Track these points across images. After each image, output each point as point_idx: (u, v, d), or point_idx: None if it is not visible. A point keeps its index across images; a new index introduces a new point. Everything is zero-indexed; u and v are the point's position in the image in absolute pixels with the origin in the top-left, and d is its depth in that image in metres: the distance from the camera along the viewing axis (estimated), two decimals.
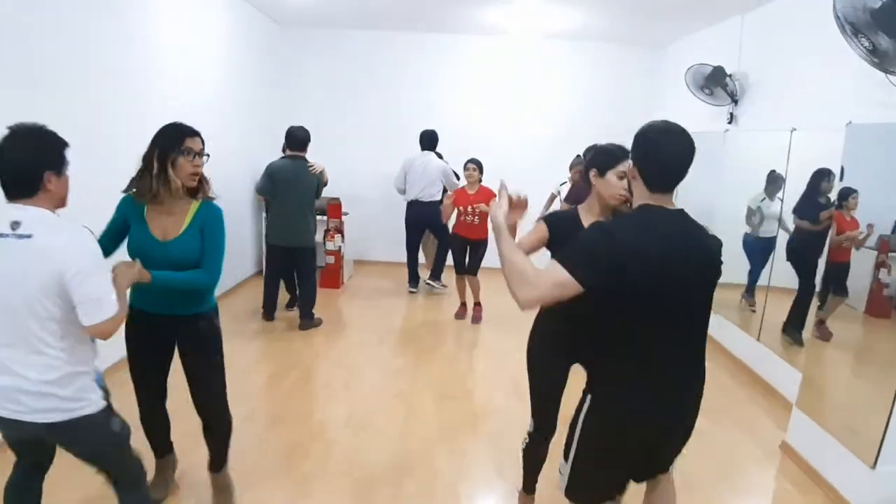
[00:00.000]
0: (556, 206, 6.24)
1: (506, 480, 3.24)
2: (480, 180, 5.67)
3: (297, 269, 5.45)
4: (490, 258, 5.64)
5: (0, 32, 3.07)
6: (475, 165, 5.67)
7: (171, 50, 4.83)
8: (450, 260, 6.35)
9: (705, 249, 1.90)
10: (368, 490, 3.10)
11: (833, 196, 4.01)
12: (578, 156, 6.10)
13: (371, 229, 7.86)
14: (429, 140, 6.60)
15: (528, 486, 2.92)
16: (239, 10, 6.24)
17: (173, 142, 2.36)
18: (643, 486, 2.24)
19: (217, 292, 5.95)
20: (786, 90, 4.77)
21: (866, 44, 2.96)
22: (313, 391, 4.33)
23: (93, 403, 1.97)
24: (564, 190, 6.02)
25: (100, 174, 3.93)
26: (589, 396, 1.99)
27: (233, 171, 6.24)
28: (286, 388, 4.27)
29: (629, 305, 1.83)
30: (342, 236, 6.78)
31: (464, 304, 6.05)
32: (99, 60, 3.88)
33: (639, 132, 1.90)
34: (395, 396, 4.25)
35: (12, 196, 1.86)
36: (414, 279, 6.88)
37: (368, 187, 7.77)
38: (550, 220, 2.56)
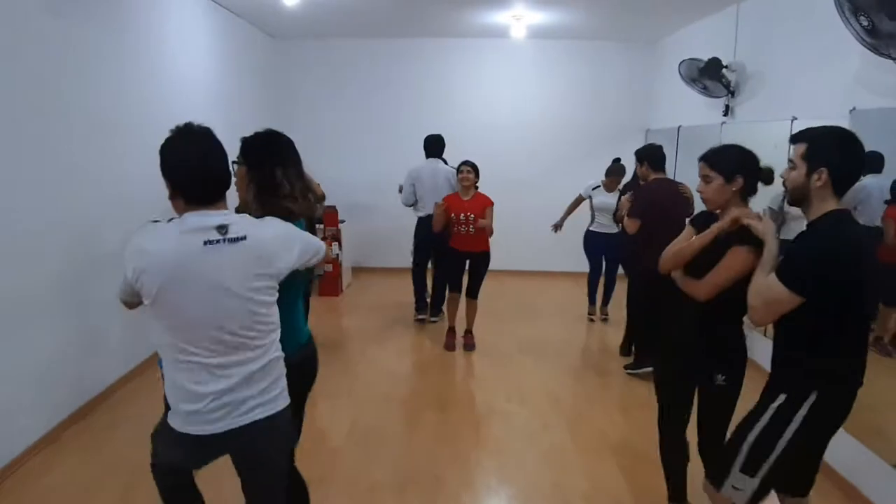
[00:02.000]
0: (589, 208, 5.97)
1: (509, 486, 3.18)
2: (476, 185, 5.09)
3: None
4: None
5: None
6: (470, 168, 5.00)
7: (163, 66, 4.76)
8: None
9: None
10: (371, 500, 3.03)
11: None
12: (618, 163, 5.73)
13: (368, 237, 7.79)
14: (435, 145, 5.86)
15: (673, 495, 2.77)
16: (232, 25, 6.18)
17: (278, 156, 2.26)
18: None
19: None
20: (785, 79, 4.69)
21: (865, 23, 2.89)
22: (314, 399, 4.21)
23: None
24: (596, 194, 5.79)
25: (103, 188, 3.90)
26: (814, 394, 2.04)
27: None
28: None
29: (848, 308, 2.00)
30: (339, 244, 6.71)
31: (452, 330, 5.29)
32: (93, 78, 3.83)
33: (829, 136, 2.02)
34: (397, 404, 4.18)
35: (209, 200, 1.76)
36: (423, 308, 6.03)
37: (365, 195, 7.70)
38: (695, 222, 2.57)
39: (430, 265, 5.99)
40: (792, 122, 4.37)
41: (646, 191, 4.48)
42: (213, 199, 1.76)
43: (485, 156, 7.13)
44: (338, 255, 6.68)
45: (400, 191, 5.89)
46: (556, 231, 6.02)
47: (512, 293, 7.08)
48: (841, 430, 3.12)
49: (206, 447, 1.86)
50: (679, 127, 6.25)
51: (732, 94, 5.40)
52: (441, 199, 5.10)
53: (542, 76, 7.72)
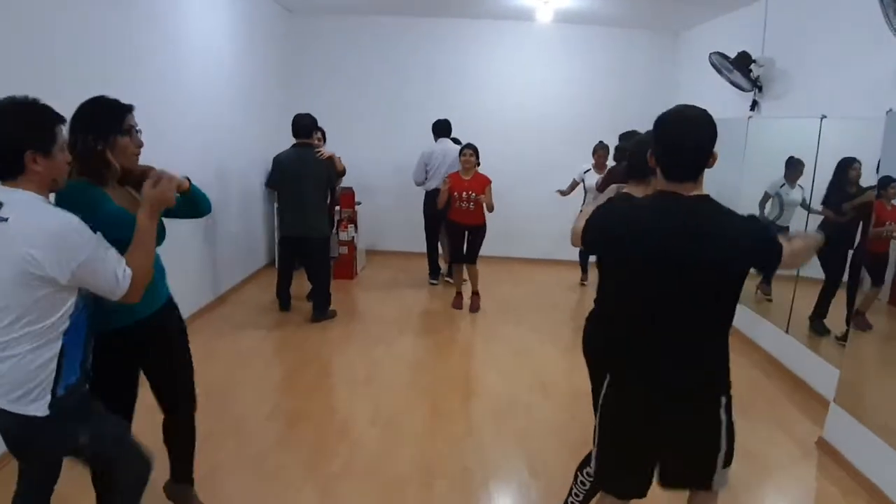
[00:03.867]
0: (580, 192, 6.20)
1: (538, 479, 3.17)
2: (476, 166, 5.59)
3: (310, 259, 5.35)
4: (486, 247, 5.82)
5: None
6: (472, 151, 5.58)
7: (180, 41, 4.70)
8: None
9: (714, 239, 1.76)
10: (398, 491, 3.01)
11: (865, 185, 3.93)
12: (601, 142, 6.08)
13: (383, 219, 7.76)
14: (444, 128, 6.46)
15: None
16: None
17: (113, 119, 2.04)
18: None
19: (229, 284, 5.82)
20: (815, 76, 4.63)
21: None
22: (334, 386, 4.25)
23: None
24: (589, 177, 6.03)
25: None
26: (608, 376, 2.02)
27: (244, 162, 6.15)
28: (307, 384, 4.19)
29: (614, 286, 1.99)
30: (355, 227, 6.68)
31: (459, 294, 5.96)
32: (106, 52, 3.75)
33: (656, 120, 1.87)
34: (419, 392, 4.16)
35: None
36: (435, 271, 6.73)
37: (381, 177, 7.65)
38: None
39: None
40: (821, 120, 4.33)
41: (616, 171, 4.61)
42: None
43: (500, 141, 7.14)
44: (353, 237, 6.66)
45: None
46: (562, 195, 6.52)
47: (528, 282, 7.08)
48: (861, 427, 3.19)
49: None
50: None
51: (760, 88, 5.34)
52: (446, 180, 5.70)
53: (564, 62, 7.64)
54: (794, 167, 4.75)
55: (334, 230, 6.32)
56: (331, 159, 5.12)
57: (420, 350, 4.97)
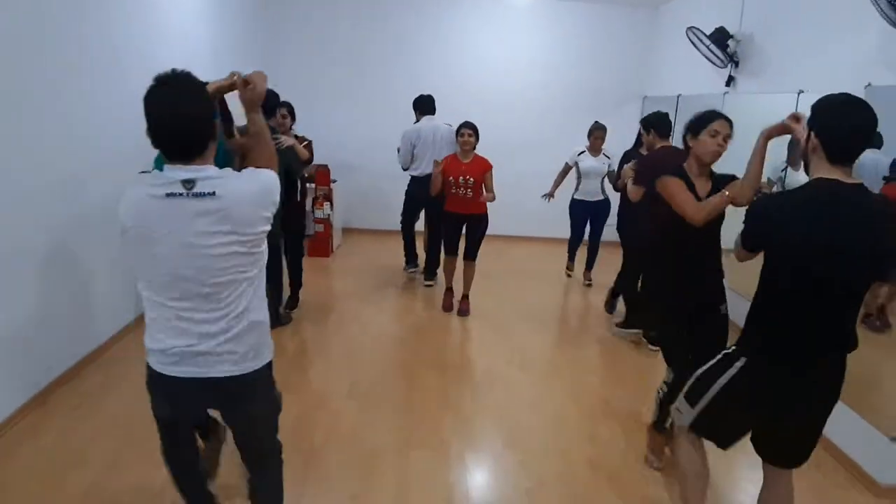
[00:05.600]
0: (575, 176, 5.92)
1: (513, 451, 3.19)
2: (475, 147, 4.99)
3: None
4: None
5: None
6: (471, 130, 4.92)
7: (147, 13, 4.51)
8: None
9: (878, 225, 1.85)
10: (376, 462, 3.03)
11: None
12: (598, 125, 5.77)
13: (359, 197, 7.68)
14: (428, 104, 5.77)
15: (660, 426, 3.08)
16: None
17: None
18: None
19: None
20: (793, 51, 4.64)
21: None
22: (312, 362, 4.21)
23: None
24: (583, 159, 5.75)
25: (88, 139, 3.76)
26: (742, 358, 2.07)
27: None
28: (285, 360, 4.14)
29: (781, 275, 1.94)
30: (331, 204, 6.60)
31: (450, 290, 5.36)
32: (74, 24, 3.60)
33: (819, 103, 1.93)
34: (396, 366, 4.17)
35: (183, 156, 1.67)
36: (413, 260, 6.12)
37: (356, 154, 7.55)
38: (676, 173, 2.72)
39: (418, 227, 6.04)
40: (798, 95, 4.34)
41: (652, 159, 4.44)
42: (184, 155, 1.67)
43: (478, 117, 6.98)
44: (329, 215, 6.58)
45: (398, 152, 5.79)
46: (548, 200, 5.98)
47: (508, 259, 7.07)
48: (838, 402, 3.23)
49: (177, 394, 1.85)
50: (679, 95, 6.19)
51: (736, 64, 5.35)
52: (441, 159, 5.05)
53: (542, 38, 7.59)
54: (795, 149, 4.65)
55: (309, 208, 6.18)
56: (292, 149, 4.45)
57: (397, 326, 4.95)
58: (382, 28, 7.47)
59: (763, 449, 2.22)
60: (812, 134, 1.91)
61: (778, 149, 4.83)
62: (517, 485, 2.93)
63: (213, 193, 1.65)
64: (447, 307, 5.27)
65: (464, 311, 5.21)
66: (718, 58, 5.46)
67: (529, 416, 3.56)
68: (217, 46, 5.82)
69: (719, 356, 2.17)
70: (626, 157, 5.06)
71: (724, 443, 2.25)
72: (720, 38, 5.36)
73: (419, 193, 5.65)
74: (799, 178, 4.58)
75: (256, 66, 6.70)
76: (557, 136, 6.49)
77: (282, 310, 4.77)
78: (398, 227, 6.13)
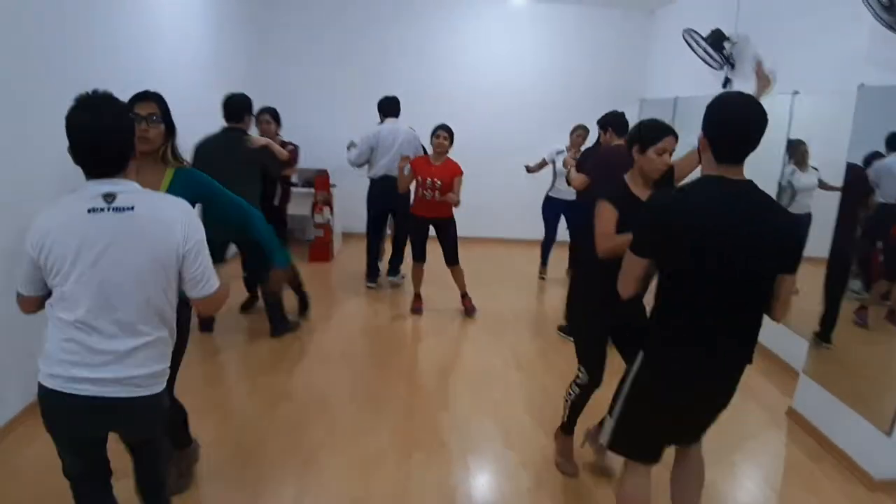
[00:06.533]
0: (552, 173, 6.08)
1: (514, 451, 3.21)
2: (448, 151, 4.88)
3: (248, 269, 4.65)
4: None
5: None
6: (447, 133, 4.83)
7: (132, 10, 4.38)
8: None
9: (766, 224, 1.85)
10: (377, 464, 3.04)
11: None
12: (581, 125, 5.84)
13: (359, 202, 7.66)
14: (393, 106, 5.70)
15: (569, 428, 3.03)
16: None
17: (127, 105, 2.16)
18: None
19: None
20: (787, 52, 4.66)
21: (885, 1, 2.87)
22: (312, 365, 4.23)
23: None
24: (560, 159, 5.82)
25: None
26: (641, 353, 2.07)
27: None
28: (285, 363, 4.18)
29: (682, 272, 1.91)
30: (331, 209, 6.63)
31: (419, 295, 5.30)
32: (74, 37, 3.59)
33: (710, 103, 1.91)
34: (395, 369, 4.19)
35: (103, 172, 1.72)
36: (374, 272, 5.97)
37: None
38: (611, 197, 2.57)
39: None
40: (793, 96, 4.37)
41: (600, 151, 4.52)
42: (104, 167, 1.72)
43: (473, 119, 7.05)
44: (329, 220, 6.61)
45: (348, 148, 5.74)
46: (527, 171, 6.20)
47: (499, 260, 7.09)
48: (830, 396, 3.26)
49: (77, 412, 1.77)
50: (676, 98, 6.22)
51: (733, 66, 5.38)
52: (397, 162, 5.08)
53: (538, 40, 7.64)
54: (796, 149, 4.57)
55: (309, 214, 6.19)
56: (266, 148, 4.23)
57: (395, 329, 4.97)
58: (379, 32, 7.51)
59: (671, 437, 2.21)
60: (702, 133, 1.92)
61: (772, 148, 4.89)
62: (518, 486, 2.95)
63: (132, 208, 1.69)
64: (416, 310, 5.25)
65: (470, 311, 5.24)
66: (715, 60, 5.50)
67: (528, 416, 3.59)
68: (213, 53, 5.85)
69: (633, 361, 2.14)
70: (584, 156, 5.13)
71: (646, 452, 2.17)
72: (716, 40, 5.40)
73: (378, 195, 5.67)
74: (806, 180, 4.61)
75: (253, 70, 6.80)
76: (554, 137, 6.50)
77: (291, 316, 4.76)
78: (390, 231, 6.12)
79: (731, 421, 3.52)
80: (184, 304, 1.91)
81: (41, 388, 1.74)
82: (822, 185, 4.49)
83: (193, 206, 2.14)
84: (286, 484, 2.82)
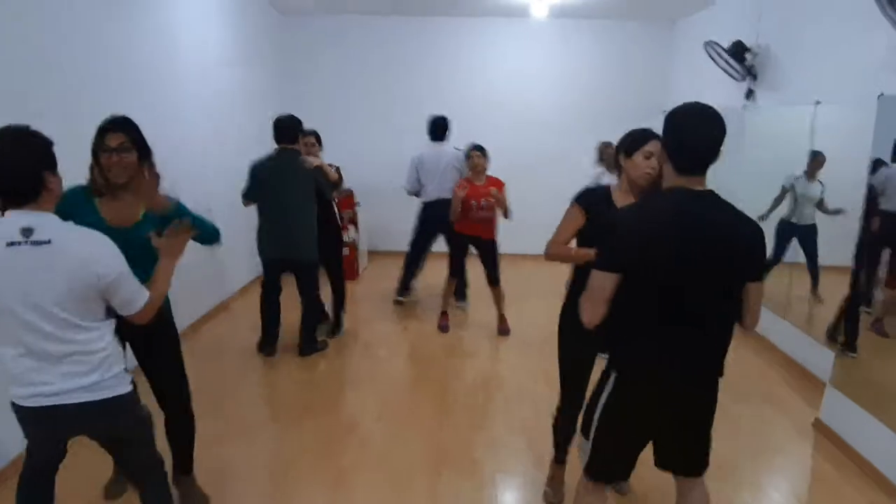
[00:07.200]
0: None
1: (545, 470, 3.16)
2: (486, 168, 5.01)
3: (298, 286, 4.57)
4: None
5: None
6: (480, 153, 4.96)
7: (175, 47, 4.70)
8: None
9: (731, 233, 1.86)
10: (407, 482, 3.08)
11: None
12: (607, 142, 5.76)
13: (384, 220, 7.80)
14: (441, 128, 5.67)
15: (559, 457, 2.98)
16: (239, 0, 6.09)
17: (97, 137, 2.27)
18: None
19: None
20: (809, 62, 4.66)
21: None
22: (341, 384, 4.31)
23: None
24: (605, 179, 5.62)
25: None
26: (613, 374, 2.03)
27: (233, 171, 4.98)
28: (313, 383, 4.25)
29: (644, 285, 1.89)
30: (356, 228, 6.74)
31: (445, 313, 5.39)
32: (101, 57, 3.74)
33: (667, 114, 1.90)
34: (425, 386, 4.24)
35: (14, 203, 1.81)
36: (406, 288, 6.03)
37: (380, 177, 7.64)
38: (583, 202, 2.57)
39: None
40: (815, 106, 4.36)
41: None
42: (15, 202, 1.80)
43: (498, 136, 7.10)
44: (354, 239, 6.72)
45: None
46: None
47: (528, 277, 7.11)
48: (857, 408, 3.23)
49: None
50: None
51: (755, 77, 5.37)
52: (447, 184, 5.27)
53: (559, 56, 7.69)
54: (813, 159, 4.57)
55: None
56: (320, 168, 4.42)
57: (425, 347, 5.01)
58: (401, 50, 7.64)
59: (660, 459, 2.16)
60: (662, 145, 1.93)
61: (781, 157, 4.89)
62: None
63: (49, 241, 1.78)
64: (443, 328, 5.31)
65: (504, 331, 5.28)
66: (736, 71, 5.49)
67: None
68: (239, 75, 6.02)
69: (600, 379, 2.13)
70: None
71: (623, 471, 2.19)
72: (737, 51, 5.40)
73: (432, 219, 5.66)
74: (811, 190, 4.61)
75: (281, 93, 6.99)
76: (579, 153, 6.53)
77: (321, 336, 4.83)
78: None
79: (757, 433, 3.58)
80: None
81: None
82: (822, 204, 4.51)
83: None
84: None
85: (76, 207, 2.21)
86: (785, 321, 4.71)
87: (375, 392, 4.10)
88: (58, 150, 1.89)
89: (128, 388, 2.04)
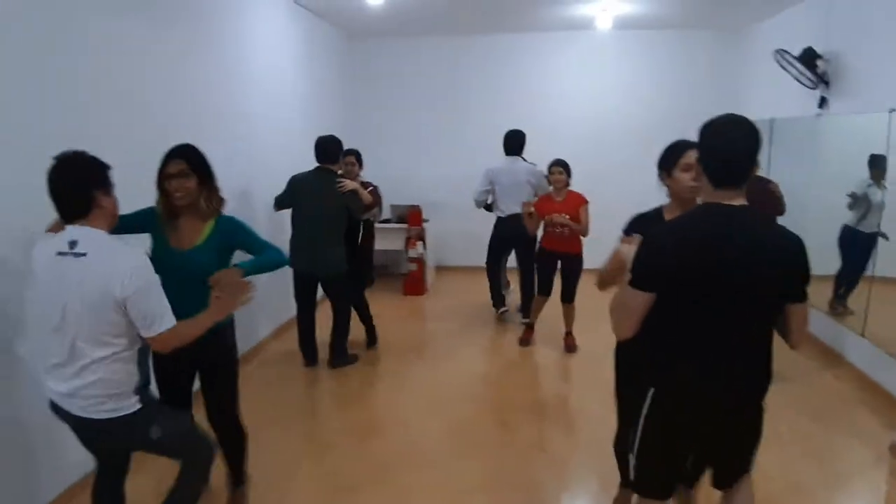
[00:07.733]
0: None
1: (609, 492, 3.16)
2: (568, 184, 5.00)
3: (329, 299, 4.82)
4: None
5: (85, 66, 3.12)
6: (562, 168, 4.92)
7: (243, 66, 4.82)
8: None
9: (767, 250, 1.82)
10: (469, 500, 3.10)
11: None
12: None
13: (450, 236, 7.91)
14: (516, 142, 5.67)
15: (625, 480, 2.96)
16: (312, 25, 6.31)
17: (161, 164, 2.47)
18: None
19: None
20: (882, 69, 4.47)
21: None
22: (404, 401, 4.37)
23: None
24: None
25: None
26: (651, 390, 2.01)
27: None
28: (376, 399, 4.36)
29: (677, 304, 1.88)
30: (424, 243, 6.87)
31: (531, 327, 5.41)
32: (170, 76, 3.85)
33: (701, 127, 1.89)
34: (488, 405, 4.26)
35: (68, 218, 2.04)
36: (500, 299, 6.06)
37: (447, 193, 7.73)
38: (631, 231, 2.47)
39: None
40: (890, 113, 4.19)
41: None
42: (67, 216, 2.03)
43: (566, 150, 7.02)
44: (422, 254, 6.85)
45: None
46: None
47: (594, 292, 7.01)
48: None
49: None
50: (772, 119, 6.03)
51: (827, 84, 5.19)
52: (522, 199, 5.20)
53: (625, 67, 7.63)
54: (876, 165, 4.42)
55: (402, 248, 6.42)
56: (354, 192, 4.53)
57: (490, 364, 5.06)
58: (468, 67, 7.76)
59: (711, 479, 2.16)
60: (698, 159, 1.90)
61: (848, 163, 4.71)
62: None
63: (85, 254, 1.97)
64: (524, 342, 5.32)
65: (570, 348, 5.22)
66: (809, 79, 5.32)
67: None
68: (306, 94, 6.17)
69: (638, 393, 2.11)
70: None
71: (668, 485, 2.14)
72: (809, 58, 5.23)
73: (504, 234, 5.67)
74: (881, 197, 4.41)
75: (346, 110, 7.21)
76: (647, 164, 6.40)
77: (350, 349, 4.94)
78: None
79: (830, 456, 3.46)
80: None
81: None
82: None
83: (232, 253, 2.54)
84: None
85: (147, 224, 2.52)
86: (863, 339, 4.51)
87: (439, 409, 4.14)
88: (144, 178, 2.12)
89: (132, 409, 2.11)
